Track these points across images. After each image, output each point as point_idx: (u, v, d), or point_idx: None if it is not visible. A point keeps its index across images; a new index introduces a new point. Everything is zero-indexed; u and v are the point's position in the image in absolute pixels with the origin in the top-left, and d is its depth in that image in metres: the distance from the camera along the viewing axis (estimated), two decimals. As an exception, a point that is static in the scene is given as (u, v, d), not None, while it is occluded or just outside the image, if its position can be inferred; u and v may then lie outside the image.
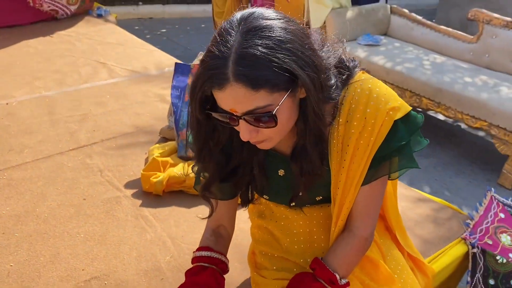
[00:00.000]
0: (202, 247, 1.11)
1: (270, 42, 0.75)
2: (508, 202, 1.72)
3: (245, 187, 1.07)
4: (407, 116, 0.92)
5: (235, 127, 0.85)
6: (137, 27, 5.92)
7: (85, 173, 1.83)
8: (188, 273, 1.08)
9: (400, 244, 1.23)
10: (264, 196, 1.09)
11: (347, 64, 0.94)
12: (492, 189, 1.72)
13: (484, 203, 1.65)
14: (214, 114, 0.83)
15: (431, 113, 3.92)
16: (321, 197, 1.08)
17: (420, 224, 1.61)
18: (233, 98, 0.76)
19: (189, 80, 1.91)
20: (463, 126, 3.66)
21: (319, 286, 0.97)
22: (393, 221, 1.21)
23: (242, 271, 1.37)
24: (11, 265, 1.37)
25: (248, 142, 0.89)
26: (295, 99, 0.82)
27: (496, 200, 1.67)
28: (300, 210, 1.13)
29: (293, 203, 1.09)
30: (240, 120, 0.80)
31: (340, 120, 0.92)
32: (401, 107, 0.91)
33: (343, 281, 0.99)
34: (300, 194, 1.02)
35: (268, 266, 1.19)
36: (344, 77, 0.93)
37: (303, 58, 0.77)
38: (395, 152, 0.92)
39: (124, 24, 3.97)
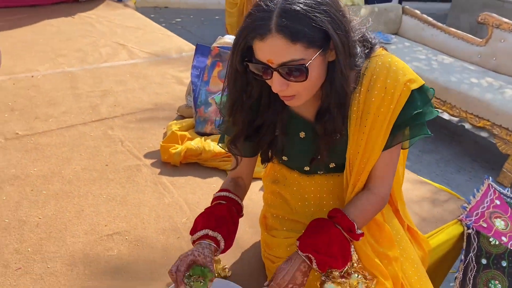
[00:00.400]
0: (222, 189, 1.22)
1: (310, 1, 0.86)
2: (505, 191, 1.82)
3: (267, 146, 1.16)
4: (422, 87, 1.03)
5: (268, 81, 0.96)
6: (152, 15, 6.03)
7: (107, 142, 1.94)
8: (206, 208, 1.18)
9: (401, 216, 1.34)
10: (283, 157, 1.19)
11: (370, 40, 1.05)
12: (490, 177, 1.82)
13: (482, 190, 1.75)
14: (251, 65, 0.93)
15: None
16: (334, 165, 1.18)
17: (418, 204, 1.71)
18: (272, 48, 0.87)
19: (208, 61, 2.02)
20: (467, 126, 3.76)
21: (338, 232, 1.05)
22: (396, 194, 1.31)
23: (253, 235, 1.48)
24: (40, 218, 1.49)
25: (275, 102, 1.01)
26: (325, 60, 0.93)
27: (493, 188, 1.77)
28: (312, 176, 1.24)
29: (308, 168, 1.20)
30: (274, 73, 0.91)
31: (362, 89, 1.03)
32: (416, 79, 1.03)
33: (359, 231, 1.08)
34: (319, 157, 1.11)
35: (279, 227, 1.30)
36: (366, 50, 1.04)
37: (337, 22, 0.89)
38: (411, 120, 1.02)
39: (140, 12, 4.07)
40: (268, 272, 1.33)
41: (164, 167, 1.81)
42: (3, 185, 1.62)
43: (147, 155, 1.88)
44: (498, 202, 1.73)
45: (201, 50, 2.02)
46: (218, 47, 2.02)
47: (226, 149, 1.17)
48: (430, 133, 1.06)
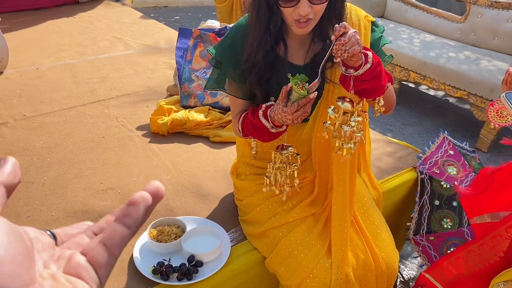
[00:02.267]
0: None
1: None
2: (461, 144, 2.01)
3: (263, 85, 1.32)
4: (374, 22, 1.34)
5: (288, 9, 1.15)
6: (152, 14, 6.29)
7: (103, 119, 2.18)
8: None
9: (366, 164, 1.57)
10: (271, 98, 1.32)
11: None
12: (446, 131, 2.01)
13: (437, 142, 1.95)
14: None
15: (422, 88, 4.19)
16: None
17: (380, 159, 1.92)
18: None
19: (190, 43, 2.24)
20: (451, 100, 3.93)
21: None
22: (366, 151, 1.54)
23: (227, 188, 1.71)
24: (45, 179, 1.73)
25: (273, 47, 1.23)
26: None
27: (448, 140, 1.97)
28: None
29: None
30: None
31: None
32: (369, 16, 1.33)
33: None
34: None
35: (247, 172, 1.53)
36: None
37: None
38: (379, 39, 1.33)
39: (140, 11, 4.32)
40: (238, 208, 1.56)
41: (154, 136, 2.04)
42: (13, 155, 1.86)
43: (138, 128, 2.11)
44: (451, 152, 1.93)
45: (184, 32, 2.25)
46: (198, 29, 2.24)
47: (223, 91, 1.37)
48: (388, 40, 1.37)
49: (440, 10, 3.96)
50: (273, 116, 1.20)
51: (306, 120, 1.38)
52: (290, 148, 1.29)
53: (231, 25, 2.36)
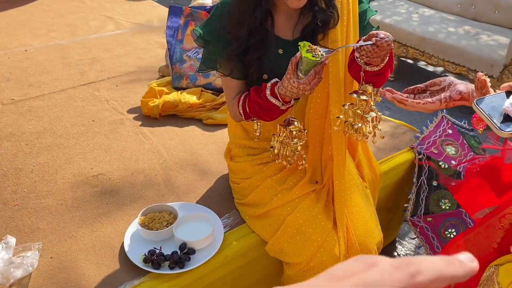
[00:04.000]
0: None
1: None
2: (460, 122, 1.97)
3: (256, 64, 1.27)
4: None
5: None
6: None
7: (93, 102, 2.13)
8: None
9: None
10: (263, 75, 1.29)
11: None
12: (445, 110, 1.96)
13: (435, 121, 1.90)
14: None
15: (421, 64, 4.12)
16: None
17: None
18: None
19: (181, 21, 2.17)
20: (442, 73, 3.86)
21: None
22: None
23: (222, 167, 1.67)
24: (34, 166, 1.69)
25: (260, 26, 1.21)
26: None
27: (446, 119, 1.92)
28: None
29: None
30: None
31: None
32: None
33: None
34: None
35: (241, 154, 1.49)
36: None
37: None
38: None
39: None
40: (234, 192, 1.52)
41: (145, 119, 1.99)
42: (1, 141, 1.82)
43: (130, 111, 2.06)
44: (450, 131, 1.88)
45: (174, 11, 2.17)
46: (189, 7, 2.17)
47: (216, 70, 1.33)
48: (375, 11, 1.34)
49: (440, -17, 3.85)
50: (284, 93, 1.16)
51: None
52: (296, 122, 1.24)
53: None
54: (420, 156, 1.78)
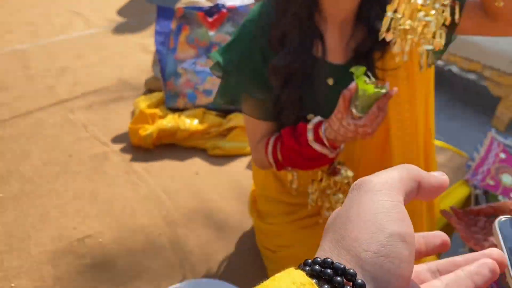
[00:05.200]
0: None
1: None
2: (508, 142, 1.69)
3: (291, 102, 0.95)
4: None
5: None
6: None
7: (68, 129, 1.72)
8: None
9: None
10: (308, 115, 0.96)
11: None
12: (493, 129, 1.68)
13: (485, 144, 1.61)
14: None
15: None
16: None
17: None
18: None
19: (173, 25, 1.78)
20: (454, 69, 3.60)
21: None
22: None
23: (241, 221, 1.33)
24: (-2, 228, 1.30)
25: (303, 46, 0.89)
26: None
27: (497, 141, 1.63)
28: None
29: None
30: None
31: None
32: None
33: None
34: None
35: (274, 212, 1.15)
36: None
37: None
38: None
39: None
40: (268, 261, 1.19)
41: (136, 152, 1.61)
42: (-49, 192, 1.41)
43: (115, 140, 1.67)
44: (503, 155, 1.60)
45: (163, 13, 1.78)
46: (183, 8, 1.77)
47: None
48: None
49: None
50: (335, 137, 0.86)
51: None
52: (344, 171, 0.95)
53: (223, 1, 1.90)
54: (477, 191, 1.49)
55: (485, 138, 1.67)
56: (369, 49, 0.94)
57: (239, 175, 1.50)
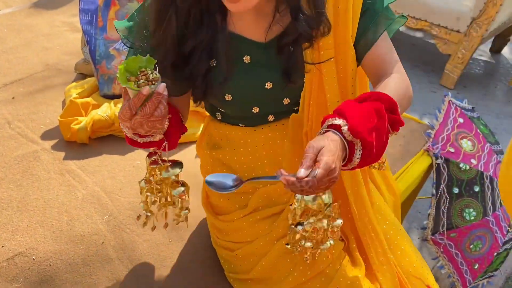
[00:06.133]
0: None
1: None
2: (464, 105, 1.65)
3: (201, 78, 0.89)
4: None
5: None
6: None
7: (-12, 127, 1.51)
8: None
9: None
10: (226, 95, 0.91)
11: None
12: (449, 93, 1.62)
13: (443, 110, 1.56)
14: None
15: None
16: (289, 100, 0.94)
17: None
18: None
19: (100, 0, 1.57)
20: (401, 28, 3.56)
21: (380, 108, 0.75)
22: None
23: (195, 216, 1.20)
24: None
25: (209, 17, 0.83)
26: None
27: (454, 105, 1.59)
28: (261, 129, 0.99)
29: (258, 108, 0.94)
30: None
31: None
32: None
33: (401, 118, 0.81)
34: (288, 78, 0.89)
35: (229, 207, 1.04)
36: None
37: None
38: (374, 4, 0.86)
39: None
40: (224, 261, 1.08)
41: (69, 148, 1.43)
42: None
43: (45, 136, 1.48)
44: (461, 120, 1.56)
45: (87, -13, 1.56)
46: (108, -20, 1.57)
47: None
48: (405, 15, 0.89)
49: None
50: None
51: (264, 121, 1.00)
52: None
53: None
54: (438, 161, 1.44)
55: (435, 97, 1.62)
56: (295, 36, 0.84)
57: (188, 165, 1.37)
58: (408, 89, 0.88)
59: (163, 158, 0.95)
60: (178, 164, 0.97)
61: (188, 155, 1.44)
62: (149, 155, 0.96)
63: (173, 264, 1.11)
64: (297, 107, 0.95)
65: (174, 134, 0.89)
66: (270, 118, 0.98)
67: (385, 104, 0.75)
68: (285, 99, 0.94)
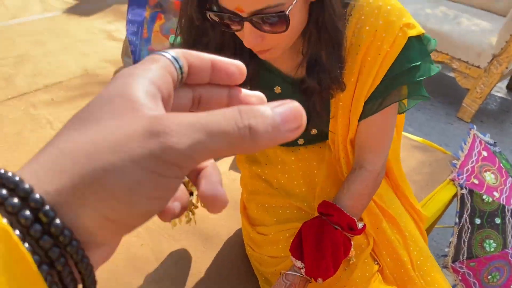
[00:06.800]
0: None
1: None
2: (488, 139, 1.70)
3: None
4: (421, 36, 0.82)
5: (237, 33, 0.74)
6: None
7: (31, 125, 1.57)
8: None
9: (402, 192, 1.15)
10: None
11: None
12: (475, 127, 1.68)
13: (468, 142, 1.61)
14: (214, 15, 0.70)
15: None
16: (316, 131, 0.98)
17: (405, 163, 1.54)
18: None
19: (146, 13, 1.65)
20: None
21: (340, 235, 0.86)
22: (394, 166, 1.12)
23: (229, 229, 1.25)
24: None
25: (241, 51, 0.81)
26: (307, 0, 0.72)
27: (479, 138, 1.64)
28: (295, 149, 1.04)
29: None
30: (245, 23, 0.69)
31: (347, 32, 0.80)
32: (416, 25, 0.81)
33: (360, 225, 0.91)
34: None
35: (267, 220, 1.08)
36: None
37: None
38: (404, 75, 0.80)
39: None
40: (259, 273, 1.12)
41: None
42: None
43: (85, 138, 1.54)
44: (485, 153, 1.61)
45: (136, 0, 1.64)
46: (156, -5, 1.65)
47: None
48: (428, 95, 0.85)
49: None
50: None
51: (294, 143, 1.02)
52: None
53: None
54: (463, 191, 1.48)
55: (452, 129, 1.67)
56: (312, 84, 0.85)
57: (222, 177, 1.42)
58: (372, 192, 0.93)
59: None
60: None
61: (221, 167, 1.49)
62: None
63: (208, 273, 1.15)
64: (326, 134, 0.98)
65: None
66: (300, 141, 1.02)
67: (343, 226, 0.86)
68: (312, 130, 0.97)
